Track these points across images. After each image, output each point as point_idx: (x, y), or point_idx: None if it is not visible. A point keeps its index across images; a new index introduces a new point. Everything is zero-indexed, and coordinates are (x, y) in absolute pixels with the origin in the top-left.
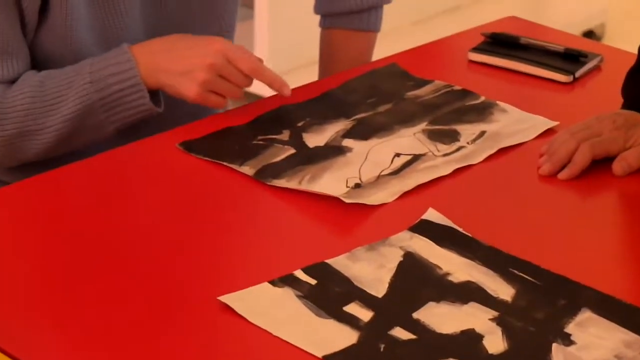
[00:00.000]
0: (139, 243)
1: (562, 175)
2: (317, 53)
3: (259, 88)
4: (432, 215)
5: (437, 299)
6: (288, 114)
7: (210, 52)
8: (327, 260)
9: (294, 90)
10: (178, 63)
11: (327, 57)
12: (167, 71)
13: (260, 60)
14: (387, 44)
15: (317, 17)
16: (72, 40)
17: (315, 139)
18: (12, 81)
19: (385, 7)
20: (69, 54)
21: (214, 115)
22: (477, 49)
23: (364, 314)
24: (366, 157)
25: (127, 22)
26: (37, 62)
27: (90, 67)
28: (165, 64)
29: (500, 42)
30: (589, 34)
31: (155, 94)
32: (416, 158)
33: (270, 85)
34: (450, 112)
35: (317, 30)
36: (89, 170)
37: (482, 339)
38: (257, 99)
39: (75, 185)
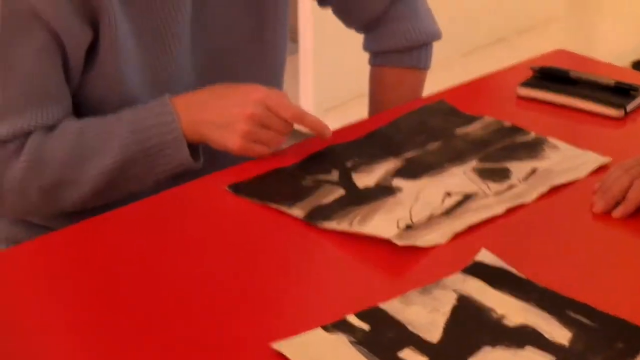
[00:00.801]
0: (188, 287)
1: (616, 213)
2: (362, 87)
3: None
4: (485, 256)
5: (493, 344)
6: (337, 154)
7: (250, 102)
8: (380, 305)
9: (342, 129)
10: (219, 115)
11: (378, 96)
12: (209, 123)
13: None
14: (436, 76)
15: (363, 51)
16: (123, 83)
17: (364, 179)
18: (52, 127)
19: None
20: (119, 97)
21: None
22: (526, 84)
23: None
24: (417, 197)
25: (177, 63)
26: (87, 106)
27: (132, 117)
28: (206, 116)
29: (549, 76)
30: (638, 64)
31: (195, 147)
32: (467, 197)
33: (312, 130)
34: (501, 149)
35: (362, 64)
36: (137, 214)
37: None
38: (306, 138)
39: (123, 230)
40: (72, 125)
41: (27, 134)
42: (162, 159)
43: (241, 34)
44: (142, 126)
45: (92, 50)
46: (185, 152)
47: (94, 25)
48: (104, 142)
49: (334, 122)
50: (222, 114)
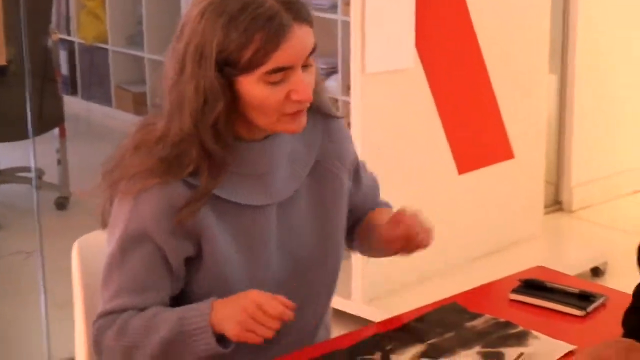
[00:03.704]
0: None
1: None
2: (406, 279)
3: (368, 313)
4: None
5: None
6: (379, 340)
7: (246, 300)
8: None
9: (384, 321)
10: (231, 311)
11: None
12: (225, 318)
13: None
14: (447, 279)
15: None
16: (225, 281)
17: (399, 359)
18: (143, 309)
19: (448, 247)
20: (222, 291)
21: (324, 342)
22: (515, 291)
23: None
24: None
25: (266, 264)
26: (197, 297)
27: (185, 311)
28: (227, 313)
29: (532, 285)
30: (595, 270)
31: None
32: None
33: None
34: (497, 338)
35: (410, 263)
36: None
37: None
38: (367, 323)
39: None
40: (153, 310)
41: (124, 310)
42: (197, 342)
43: (312, 242)
44: (188, 315)
45: (198, 258)
46: (211, 338)
47: (197, 240)
48: (164, 322)
49: (378, 309)
50: (231, 310)
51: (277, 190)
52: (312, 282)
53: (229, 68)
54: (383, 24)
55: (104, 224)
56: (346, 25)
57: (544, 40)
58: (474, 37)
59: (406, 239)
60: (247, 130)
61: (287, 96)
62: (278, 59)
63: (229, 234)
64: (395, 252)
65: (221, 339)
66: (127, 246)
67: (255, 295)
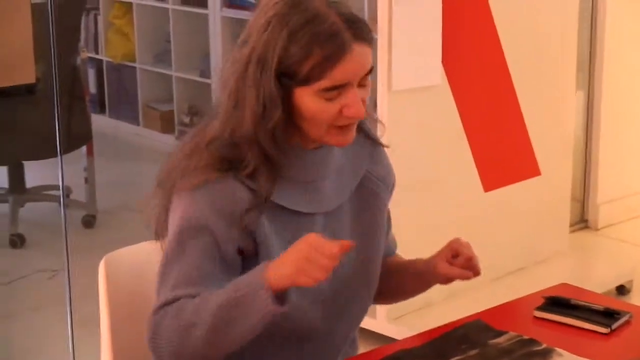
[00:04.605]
0: None
1: None
2: (431, 298)
3: (392, 331)
4: None
5: None
6: (403, 357)
7: (301, 243)
8: None
9: (406, 339)
10: (286, 257)
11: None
12: (281, 264)
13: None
14: (472, 297)
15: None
16: None
17: None
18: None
19: None
20: None
21: (348, 358)
22: (540, 308)
23: None
24: None
25: None
26: None
27: (239, 278)
28: (282, 260)
29: (557, 303)
30: (621, 288)
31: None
32: None
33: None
34: (521, 355)
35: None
36: None
37: None
38: (391, 341)
39: None
40: (207, 290)
41: (178, 300)
42: (253, 301)
43: (354, 258)
44: (242, 278)
45: (254, 256)
46: (267, 294)
47: (252, 237)
48: (218, 294)
49: (403, 328)
50: (287, 256)
51: (324, 200)
52: (349, 298)
53: (286, 79)
54: (410, 41)
55: (157, 235)
56: (373, 42)
57: (571, 57)
58: (501, 54)
59: (467, 267)
60: (300, 138)
61: (340, 111)
62: (335, 76)
63: (279, 238)
64: (445, 282)
65: (279, 299)
66: (185, 238)
67: (311, 238)
